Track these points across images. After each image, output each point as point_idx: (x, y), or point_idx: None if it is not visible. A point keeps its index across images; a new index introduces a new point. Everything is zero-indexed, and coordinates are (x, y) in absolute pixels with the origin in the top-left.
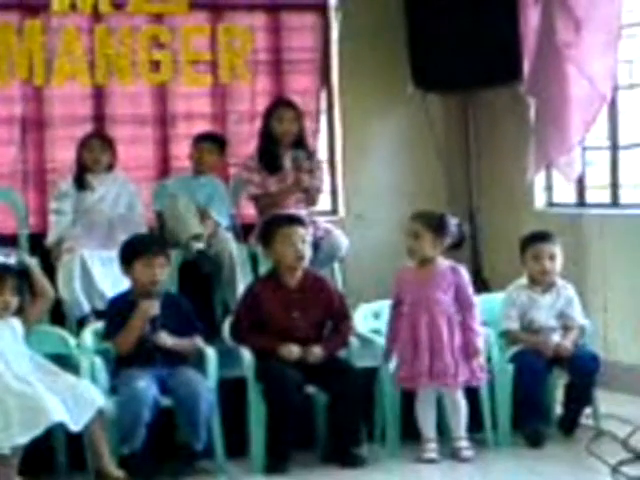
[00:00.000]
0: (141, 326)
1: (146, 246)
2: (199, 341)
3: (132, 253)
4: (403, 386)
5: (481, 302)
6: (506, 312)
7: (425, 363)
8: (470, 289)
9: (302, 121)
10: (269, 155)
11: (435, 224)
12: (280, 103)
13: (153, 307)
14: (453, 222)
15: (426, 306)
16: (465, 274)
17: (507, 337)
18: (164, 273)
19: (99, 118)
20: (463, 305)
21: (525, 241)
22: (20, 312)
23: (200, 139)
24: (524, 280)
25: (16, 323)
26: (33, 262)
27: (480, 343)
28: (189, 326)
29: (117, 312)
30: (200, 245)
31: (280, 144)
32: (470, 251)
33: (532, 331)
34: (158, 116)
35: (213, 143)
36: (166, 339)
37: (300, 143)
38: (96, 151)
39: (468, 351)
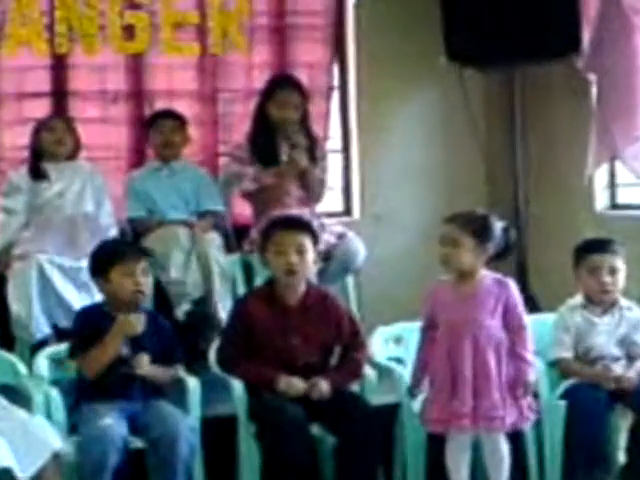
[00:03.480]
0: (118, 345)
1: (124, 251)
2: (180, 372)
3: (107, 260)
4: (433, 430)
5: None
6: (557, 338)
7: (468, 403)
8: (521, 308)
9: (307, 105)
10: (263, 146)
11: (477, 228)
12: (281, 82)
13: (136, 323)
14: (498, 225)
15: (468, 330)
16: (515, 290)
17: (558, 368)
18: (148, 282)
19: (59, 95)
20: (513, 329)
21: (579, 251)
22: None
23: (158, 117)
24: (579, 299)
25: None
26: None
27: (532, 375)
28: (170, 353)
29: (88, 325)
30: (187, 307)
31: (277, 132)
32: (514, 262)
33: (589, 361)
34: (132, 93)
35: (175, 121)
36: (146, 365)
37: (302, 128)
38: (58, 132)
39: (517, 386)
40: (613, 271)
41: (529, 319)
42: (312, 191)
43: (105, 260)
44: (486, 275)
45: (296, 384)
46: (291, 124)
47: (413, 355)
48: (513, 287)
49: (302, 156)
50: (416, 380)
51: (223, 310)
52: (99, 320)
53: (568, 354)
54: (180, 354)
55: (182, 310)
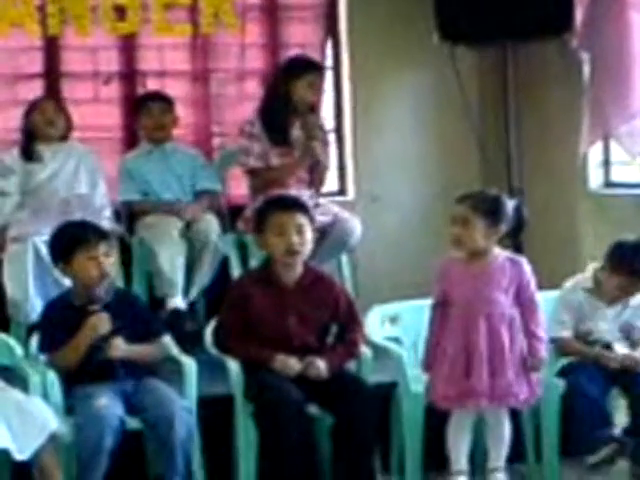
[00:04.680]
0: (87, 345)
1: (85, 233)
2: (166, 343)
3: (69, 244)
4: (444, 407)
5: None
6: (558, 316)
7: (484, 380)
8: (533, 286)
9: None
10: (276, 124)
11: (488, 208)
12: (312, 65)
13: (103, 323)
14: (510, 205)
15: (482, 308)
16: (528, 268)
17: (556, 346)
18: (111, 263)
19: (51, 76)
20: (525, 306)
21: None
22: None
23: (146, 100)
24: (588, 281)
25: None
26: None
27: (544, 352)
28: (146, 327)
29: (55, 321)
30: (177, 303)
31: (293, 111)
32: (510, 243)
33: (588, 342)
34: (124, 74)
35: (164, 102)
36: (120, 347)
37: (313, 109)
38: (49, 113)
39: (529, 362)
40: None
41: None
42: (317, 177)
43: (66, 245)
44: (499, 254)
45: (292, 364)
46: (310, 105)
47: (410, 334)
48: (526, 265)
49: (320, 148)
50: (430, 356)
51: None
52: (64, 313)
53: (568, 333)
54: (158, 326)
55: (170, 305)
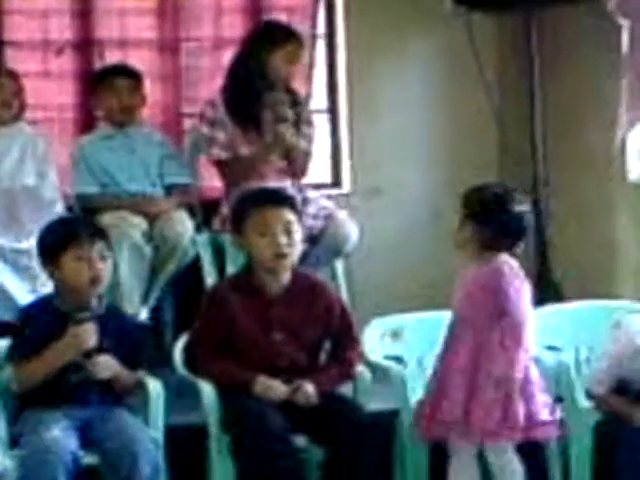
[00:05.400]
0: (63, 361)
1: (77, 231)
2: (143, 377)
3: (58, 243)
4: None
5: (549, 317)
6: (600, 363)
7: (519, 409)
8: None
9: None
10: (247, 102)
11: (477, 209)
12: (289, 34)
13: (89, 336)
14: (514, 206)
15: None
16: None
17: (592, 400)
18: (107, 268)
19: None
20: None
21: None
22: None
23: (109, 74)
24: None
25: None
26: None
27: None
28: (134, 355)
29: (33, 324)
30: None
31: (270, 88)
32: (535, 242)
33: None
34: (79, 43)
35: (131, 79)
36: (106, 368)
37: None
38: (5, 92)
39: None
40: None
41: (551, 309)
42: (297, 165)
43: (55, 243)
44: (501, 264)
45: (276, 387)
46: (289, 80)
47: (414, 352)
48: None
49: (290, 131)
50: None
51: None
52: (47, 318)
53: (602, 390)
54: (145, 358)
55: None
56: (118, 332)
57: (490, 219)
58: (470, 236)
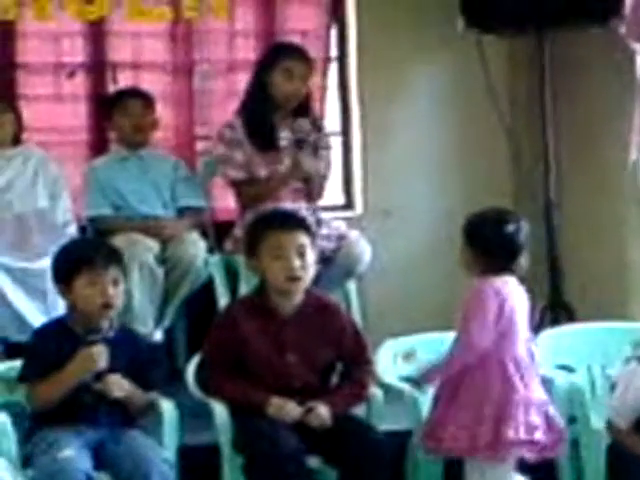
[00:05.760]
0: (74, 382)
1: (91, 254)
2: (156, 398)
3: (71, 266)
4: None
5: (562, 337)
6: (618, 397)
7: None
8: None
9: (312, 79)
10: (261, 124)
11: (471, 233)
12: (288, 50)
13: (99, 357)
14: (506, 226)
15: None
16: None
17: (609, 431)
18: (119, 293)
19: (5, 69)
20: None
21: None
22: None
23: (124, 97)
24: None
25: None
26: None
27: None
28: (145, 378)
29: (46, 345)
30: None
31: (278, 110)
32: (547, 262)
33: None
34: (92, 66)
35: (145, 101)
36: (119, 388)
37: (303, 110)
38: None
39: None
40: None
41: (564, 330)
42: (313, 188)
43: (68, 266)
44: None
45: (290, 408)
46: (297, 99)
47: None
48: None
49: (310, 161)
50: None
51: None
52: (59, 339)
53: (625, 423)
54: (158, 379)
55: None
56: (130, 353)
57: (480, 242)
58: (468, 260)
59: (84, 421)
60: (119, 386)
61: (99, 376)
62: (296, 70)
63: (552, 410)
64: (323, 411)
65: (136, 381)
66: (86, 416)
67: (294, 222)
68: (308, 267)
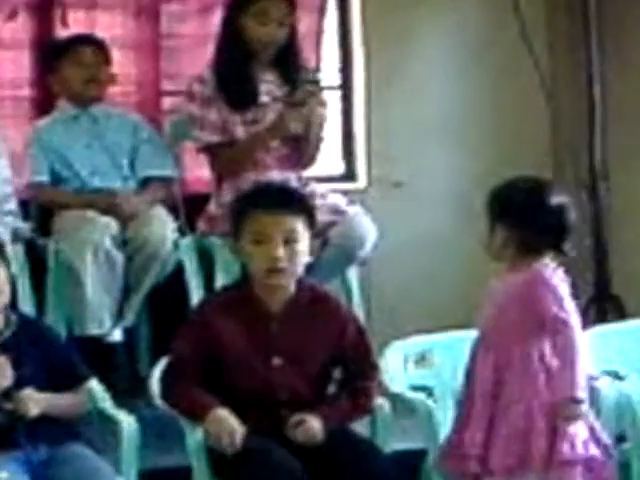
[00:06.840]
0: None
1: None
2: (93, 390)
3: None
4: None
5: (608, 336)
6: None
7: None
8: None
9: (295, 21)
10: (235, 77)
11: (506, 209)
12: None
13: (1, 374)
14: (551, 199)
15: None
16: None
17: None
18: (3, 284)
19: None
20: None
21: None
22: None
23: (73, 44)
24: None
25: None
26: None
27: None
28: (67, 370)
29: None
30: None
31: (255, 59)
32: (592, 249)
33: None
34: (37, 5)
35: (99, 49)
36: (35, 402)
37: (287, 57)
38: None
39: None
40: None
41: (610, 327)
42: (304, 153)
43: None
44: (541, 268)
45: (229, 429)
46: (275, 45)
47: (445, 380)
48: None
49: (297, 117)
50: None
51: None
52: None
53: None
54: (83, 370)
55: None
56: (39, 350)
57: (523, 218)
58: (503, 242)
59: (6, 445)
60: (34, 402)
61: (7, 394)
62: (272, 11)
63: (598, 426)
64: (315, 424)
65: (57, 380)
66: (6, 440)
67: (283, 200)
68: (296, 256)
